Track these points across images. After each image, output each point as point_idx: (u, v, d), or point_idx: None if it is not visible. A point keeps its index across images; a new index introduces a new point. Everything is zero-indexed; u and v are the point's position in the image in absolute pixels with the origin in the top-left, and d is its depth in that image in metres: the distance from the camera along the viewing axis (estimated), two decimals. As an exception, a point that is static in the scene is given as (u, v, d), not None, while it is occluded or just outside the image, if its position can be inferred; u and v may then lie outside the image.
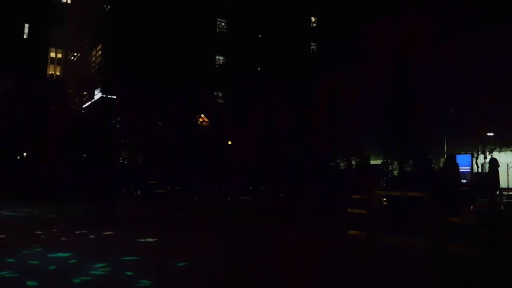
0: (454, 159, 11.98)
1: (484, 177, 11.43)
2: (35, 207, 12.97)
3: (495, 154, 20.75)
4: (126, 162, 29.13)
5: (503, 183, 19.65)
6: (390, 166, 16.93)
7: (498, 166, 11.64)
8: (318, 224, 10.47)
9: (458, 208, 10.58)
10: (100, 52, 50.33)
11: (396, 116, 20.15)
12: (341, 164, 25.03)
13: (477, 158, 19.76)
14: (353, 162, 20.76)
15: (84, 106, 49.05)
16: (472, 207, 10.41)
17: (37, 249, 6.13)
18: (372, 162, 21.24)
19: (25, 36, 52.65)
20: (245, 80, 36.49)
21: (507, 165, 20.59)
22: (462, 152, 20.77)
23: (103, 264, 5.22)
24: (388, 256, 6.55)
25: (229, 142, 32.94)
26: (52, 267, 5.10)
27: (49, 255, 5.74)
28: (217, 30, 48.70)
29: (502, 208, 9.96)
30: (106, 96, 30.79)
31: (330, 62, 32.00)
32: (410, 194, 8.42)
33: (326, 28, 47.31)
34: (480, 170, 19.46)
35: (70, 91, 49.03)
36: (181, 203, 15.80)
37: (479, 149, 20.35)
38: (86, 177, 20.45)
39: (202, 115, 31.36)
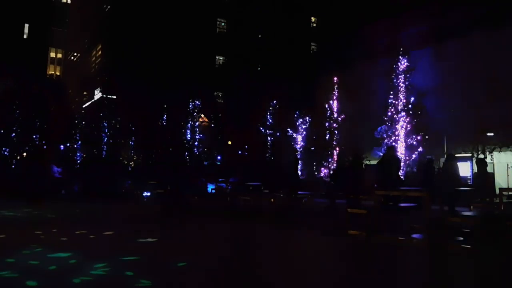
0: (454, 159, 11.97)
1: (483, 177, 11.43)
2: (35, 207, 12.97)
3: (495, 154, 20.75)
4: (126, 162, 29.16)
5: (503, 183, 19.66)
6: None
7: (486, 165, 11.68)
8: (318, 224, 10.46)
9: (458, 208, 10.59)
10: (100, 52, 50.32)
11: (396, 116, 20.21)
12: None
13: (477, 158, 19.74)
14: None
15: (84, 106, 49.06)
16: (472, 207, 10.41)
17: (37, 249, 6.13)
18: (373, 161, 21.25)
19: (25, 36, 52.65)
20: (245, 80, 36.48)
21: (507, 165, 20.57)
22: (462, 152, 20.74)
23: (103, 264, 5.22)
24: (388, 256, 6.55)
25: (229, 142, 32.97)
26: (52, 267, 5.09)
27: (49, 255, 5.74)
28: (217, 30, 48.69)
29: (502, 208, 9.96)
30: (106, 96, 30.84)
31: (330, 62, 31.99)
32: (410, 194, 8.42)
33: (326, 28, 47.31)
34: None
35: (70, 91, 49.02)
36: (181, 203, 15.78)
37: (479, 149, 20.33)
38: (86, 177, 20.45)
39: (202, 115, 31.37)
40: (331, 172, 21.28)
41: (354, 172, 10.00)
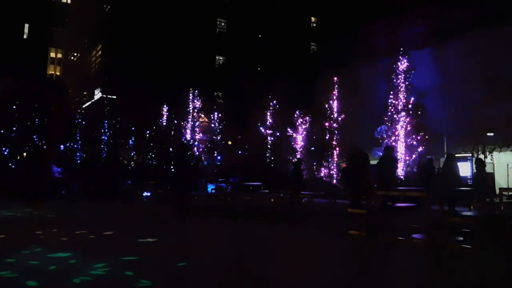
0: (454, 159, 11.98)
1: (483, 177, 11.43)
2: (35, 207, 12.97)
3: (495, 154, 20.74)
4: (126, 162, 29.16)
5: (503, 183, 19.65)
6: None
7: (485, 165, 11.68)
8: (318, 224, 10.47)
9: (458, 208, 10.58)
10: (100, 52, 50.33)
11: (396, 116, 20.21)
12: (340, 164, 25.12)
13: (476, 158, 19.73)
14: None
15: (84, 106, 49.09)
16: (472, 207, 10.40)
17: (37, 249, 6.13)
18: (373, 161, 21.21)
19: (25, 36, 52.64)
20: (245, 80, 36.49)
21: (507, 165, 20.56)
22: (462, 152, 20.75)
23: (103, 264, 5.22)
24: (388, 256, 6.55)
25: (229, 142, 32.97)
26: (52, 267, 5.09)
27: (49, 255, 5.74)
28: (217, 30, 48.70)
29: (502, 208, 9.95)
30: (106, 96, 30.84)
31: (330, 62, 31.99)
32: (410, 194, 8.42)
33: (326, 28, 47.34)
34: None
35: (70, 91, 49.02)
36: (182, 203, 15.75)
37: (479, 149, 20.32)
38: (86, 177, 20.45)
39: (202, 115, 31.37)
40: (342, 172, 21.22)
41: (361, 172, 9.87)
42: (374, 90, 24.01)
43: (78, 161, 30.04)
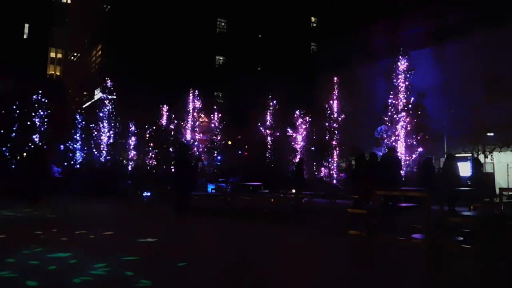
0: (454, 159, 11.98)
1: (481, 177, 11.45)
2: (35, 207, 12.98)
3: (495, 154, 20.75)
4: (125, 162, 29.13)
5: (503, 183, 19.67)
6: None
7: (481, 165, 11.72)
8: (318, 224, 10.47)
9: (458, 208, 10.59)
10: (100, 52, 50.31)
11: (396, 116, 20.21)
12: (341, 164, 25.12)
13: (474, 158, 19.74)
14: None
15: (84, 106, 49.06)
16: (472, 207, 10.41)
17: (37, 249, 6.13)
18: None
19: (25, 36, 52.62)
20: (245, 80, 36.49)
21: (507, 165, 20.58)
22: (462, 152, 20.75)
23: (103, 264, 5.22)
24: (388, 256, 6.55)
25: (229, 142, 32.95)
26: (52, 267, 5.09)
27: (49, 255, 5.74)
28: (217, 30, 48.67)
29: (502, 208, 9.96)
30: (106, 96, 30.78)
31: (330, 62, 32.00)
32: (410, 194, 8.42)
33: (326, 28, 47.31)
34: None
35: (70, 91, 48.98)
36: (182, 203, 15.75)
37: (479, 149, 20.33)
38: (86, 177, 20.46)
39: (202, 115, 31.35)
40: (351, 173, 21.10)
41: (371, 172, 9.80)
42: (374, 90, 24.01)
43: (78, 161, 30.05)
